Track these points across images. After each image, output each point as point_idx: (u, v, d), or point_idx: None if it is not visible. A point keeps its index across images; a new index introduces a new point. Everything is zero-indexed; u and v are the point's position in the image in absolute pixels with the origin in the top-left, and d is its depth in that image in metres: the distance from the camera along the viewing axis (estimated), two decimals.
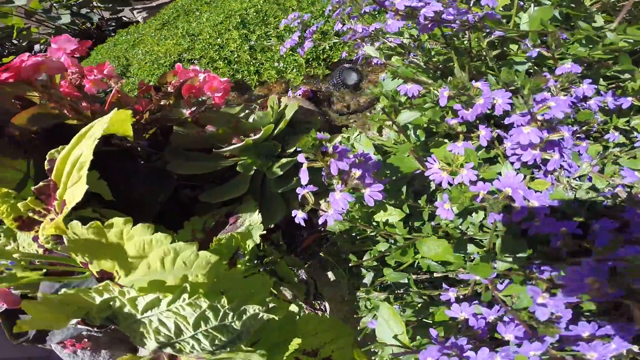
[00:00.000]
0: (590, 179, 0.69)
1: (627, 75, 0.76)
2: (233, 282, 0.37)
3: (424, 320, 0.52)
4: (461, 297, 0.52)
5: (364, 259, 0.54)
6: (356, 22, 0.80)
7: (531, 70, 0.82)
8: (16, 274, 0.45)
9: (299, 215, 0.45)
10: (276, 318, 0.36)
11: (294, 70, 1.40)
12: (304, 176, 0.37)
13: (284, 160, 0.77)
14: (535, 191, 0.56)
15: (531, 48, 0.70)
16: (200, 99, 1.04)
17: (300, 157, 0.38)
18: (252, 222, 0.65)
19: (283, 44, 0.86)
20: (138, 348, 0.58)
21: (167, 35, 2.21)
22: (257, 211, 0.66)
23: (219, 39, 1.74)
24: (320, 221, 0.44)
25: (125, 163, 0.78)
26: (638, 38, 0.61)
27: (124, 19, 4.20)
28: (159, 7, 4.06)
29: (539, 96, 0.61)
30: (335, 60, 1.39)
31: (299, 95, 1.10)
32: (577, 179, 0.70)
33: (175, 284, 0.34)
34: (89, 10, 3.77)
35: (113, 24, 4.03)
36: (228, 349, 0.37)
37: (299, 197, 0.46)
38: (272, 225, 0.75)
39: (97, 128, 0.49)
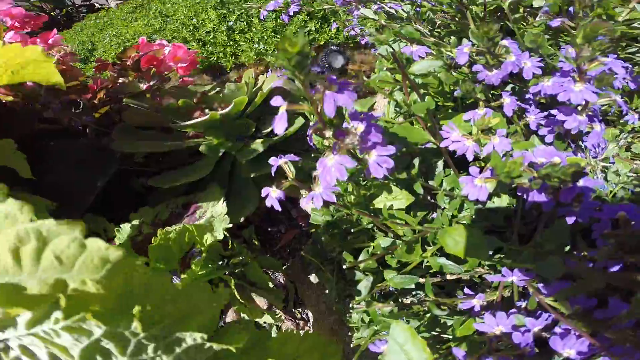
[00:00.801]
0: (612, 163, 0.61)
1: None
2: (158, 294, 0.23)
3: (442, 335, 0.40)
4: (485, 304, 0.40)
5: (359, 259, 0.42)
6: None
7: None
8: None
9: (272, 195, 0.32)
10: (232, 349, 0.23)
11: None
12: (280, 123, 0.24)
13: (259, 141, 0.63)
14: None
15: (545, 21, 0.60)
16: (163, 75, 0.90)
17: (277, 100, 0.26)
18: (214, 213, 0.51)
19: (265, 6, 0.73)
20: None
21: (138, 17, 2.05)
22: (223, 200, 0.53)
23: (194, 19, 1.60)
24: (303, 203, 0.32)
25: (59, 143, 0.63)
26: None
27: (97, 5, 3.99)
28: None
29: (564, 64, 0.51)
30: (322, 42, 1.28)
31: (280, 75, 0.97)
32: (601, 161, 0.61)
33: (39, 294, 0.20)
34: None
35: (84, 10, 3.81)
36: None
37: (273, 169, 0.33)
38: (243, 219, 0.62)
39: None
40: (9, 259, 0.19)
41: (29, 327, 0.19)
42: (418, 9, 0.72)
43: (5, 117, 0.74)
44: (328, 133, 0.25)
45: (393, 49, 0.38)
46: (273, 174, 0.34)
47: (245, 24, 1.44)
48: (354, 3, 0.73)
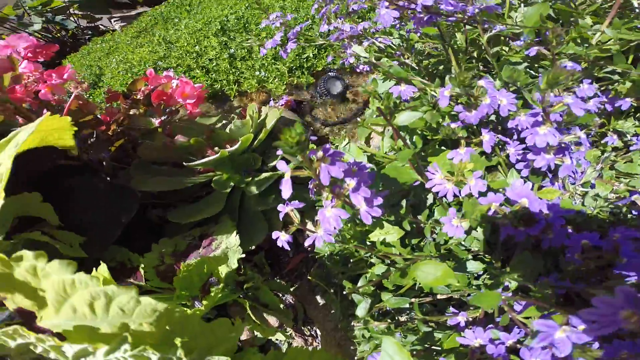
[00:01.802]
0: (593, 186, 0.66)
1: (618, 77, 0.75)
2: (193, 329, 0.30)
3: (432, 348, 0.46)
4: (470, 320, 0.46)
5: (359, 285, 0.48)
6: (343, 22, 0.76)
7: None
8: None
9: (282, 238, 0.38)
10: None
11: (276, 79, 1.35)
12: (286, 188, 0.31)
13: (264, 174, 0.70)
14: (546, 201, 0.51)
15: (524, 48, 0.67)
16: (172, 108, 0.97)
17: (281, 165, 0.32)
18: (228, 244, 0.58)
19: (264, 44, 0.80)
20: None
21: (142, 43, 2.14)
22: (235, 232, 0.59)
23: (197, 47, 1.68)
24: (307, 243, 0.38)
25: (82, 180, 0.70)
26: (631, 36, 0.58)
27: (102, 27, 4.12)
28: (138, 16, 4.00)
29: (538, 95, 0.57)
30: (320, 68, 1.35)
31: (281, 105, 1.05)
32: (581, 185, 0.67)
33: (110, 332, 0.26)
34: (64, 18, 3.69)
35: (89, 32, 3.94)
36: None
37: (281, 215, 0.40)
38: (254, 247, 0.68)
39: (23, 134, 0.42)
40: (87, 310, 0.26)
41: (105, 356, 0.26)
42: (404, 44, 0.79)
43: (28, 154, 0.82)
44: (325, 193, 0.31)
45: (381, 97, 0.44)
46: (281, 218, 0.40)
47: (246, 51, 1.52)
48: (346, 39, 0.80)
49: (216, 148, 0.68)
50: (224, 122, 0.90)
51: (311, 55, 1.36)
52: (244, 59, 1.50)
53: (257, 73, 1.39)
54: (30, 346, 0.27)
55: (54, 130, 0.52)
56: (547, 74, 0.40)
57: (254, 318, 0.65)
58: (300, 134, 0.26)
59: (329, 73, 1.27)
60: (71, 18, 3.76)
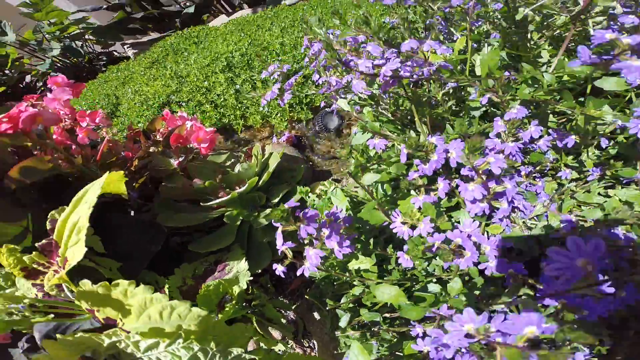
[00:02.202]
0: (547, 217, 0.79)
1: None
2: (219, 330, 0.45)
3: (396, 354, 0.60)
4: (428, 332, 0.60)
5: (340, 302, 0.62)
6: (330, 74, 0.91)
7: (488, 111, 0.92)
8: (29, 316, 0.52)
9: (279, 269, 0.53)
10: (257, 358, 0.44)
11: (278, 114, 1.52)
12: (279, 239, 0.46)
13: (268, 210, 0.85)
14: (490, 235, 0.65)
15: (481, 95, 0.80)
16: (188, 146, 1.13)
17: (275, 223, 0.47)
18: (239, 269, 0.72)
19: (264, 95, 0.96)
20: None
21: (155, 75, 2.30)
22: (244, 259, 0.74)
23: (205, 82, 1.85)
24: (298, 273, 0.53)
25: (118, 215, 0.85)
26: (575, 73, 0.70)
27: (115, 53, 4.36)
28: (150, 43, 4.22)
29: (490, 142, 0.72)
30: (318, 104, 1.51)
31: (284, 141, 1.20)
32: (535, 218, 0.79)
33: (171, 331, 0.41)
34: (81, 44, 3.92)
35: (104, 58, 4.16)
36: None
37: (279, 251, 0.55)
38: (260, 270, 0.83)
39: (91, 195, 0.58)
40: (158, 317, 0.41)
41: (166, 347, 0.40)
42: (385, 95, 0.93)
43: (62, 184, 0.97)
44: (307, 241, 0.46)
45: (359, 150, 0.59)
46: (279, 254, 0.55)
47: (250, 86, 1.69)
48: (333, 92, 0.96)
49: (227, 190, 0.84)
50: (232, 160, 1.05)
51: (310, 92, 1.52)
52: (248, 95, 1.66)
53: (261, 109, 1.56)
54: (117, 343, 0.42)
55: (111, 183, 0.68)
56: (467, 143, 0.54)
57: (259, 331, 0.79)
58: (284, 212, 0.42)
59: (326, 109, 1.43)
60: (86, 43, 3.98)
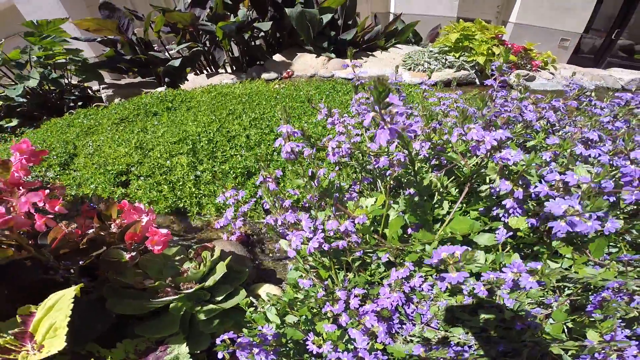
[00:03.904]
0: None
1: None
2: None
3: None
4: None
5: None
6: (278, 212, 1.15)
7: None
8: None
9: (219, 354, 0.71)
10: None
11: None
12: None
13: (210, 306, 1.03)
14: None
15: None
16: (140, 247, 1.27)
17: (219, 354, 0.66)
18: (179, 352, 0.87)
19: (218, 220, 1.18)
20: None
21: (121, 138, 2.41)
22: (185, 344, 0.89)
23: (168, 162, 2.03)
24: None
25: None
26: (461, 231, 0.99)
27: (89, 90, 4.41)
28: (127, 87, 4.37)
29: (382, 291, 0.97)
30: None
31: (234, 239, 1.39)
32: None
33: None
34: (62, 74, 3.96)
35: (76, 93, 4.20)
36: None
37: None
38: (198, 351, 0.98)
39: (65, 304, 0.74)
40: None
41: None
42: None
43: (18, 268, 1.09)
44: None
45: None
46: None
47: (210, 176, 1.90)
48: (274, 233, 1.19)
49: (175, 290, 1.01)
50: (182, 256, 1.23)
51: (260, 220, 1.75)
52: (207, 183, 1.87)
53: (217, 200, 1.76)
54: None
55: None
56: (368, 291, 0.79)
57: None
58: (224, 343, 0.62)
59: None
60: (64, 74, 4.03)
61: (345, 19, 4.39)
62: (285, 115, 0.91)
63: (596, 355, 0.69)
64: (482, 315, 0.83)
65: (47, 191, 1.18)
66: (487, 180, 1.02)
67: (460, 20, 4.11)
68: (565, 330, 0.84)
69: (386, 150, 0.99)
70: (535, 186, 0.82)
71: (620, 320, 0.81)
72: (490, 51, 3.61)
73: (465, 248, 0.57)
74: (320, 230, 0.86)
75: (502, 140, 0.83)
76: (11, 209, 1.00)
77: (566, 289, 0.97)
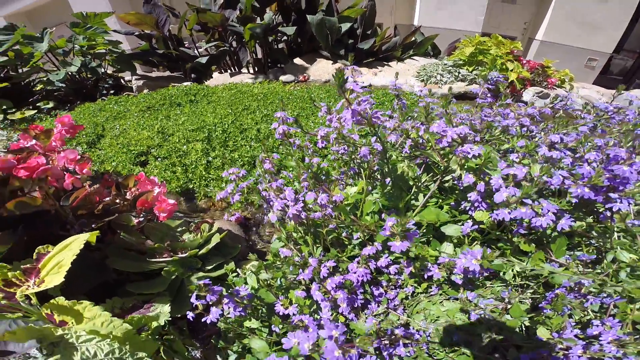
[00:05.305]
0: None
1: None
2: (135, 340, 0.74)
3: None
4: None
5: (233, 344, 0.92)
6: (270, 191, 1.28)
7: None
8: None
9: (189, 314, 0.84)
10: None
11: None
12: (192, 297, 0.78)
13: (200, 274, 1.17)
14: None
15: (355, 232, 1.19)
16: (149, 213, 1.43)
17: (192, 297, 0.80)
18: (162, 310, 1.01)
19: (219, 193, 1.32)
20: None
21: (145, 124, 2.62)
22: (169, 304, 1.03)
23: (184, 146, 2.21)
24: (206, 320, 0.84)
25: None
26: (429, 219, 1.09)
27: (122, 80, 4.71)
28: (157, 80, 4.64)
29: (351, 266, 1.08)
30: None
31: (234, 219, 1.52)
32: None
33: (104, 334, 0.70)
34: (100, 63, 4.31)
35: (110, 82, 4.50)
36: None
37: (193, 305, 0.86)
38: (180, 315, 1.11)
39: (76, 246, 0.88)
40: (99, 325, 0.71)
41: (96, 342, 0.69)
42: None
43: (42, 220, 1.25)
44: (212, 303, 0.79)
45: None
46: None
47: (220, 162, 2.06)
48: (260, 197, 1.33)
49: (172, 253, 1.15)
50: (183, 228, 1.37)
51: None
52: (217, 169, 2.03)
53: (223, 185, 1.91)
54: (64, 335, 0.70)
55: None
56: (339, 264, 0.91)
57: (163, 357, 1.06)
58: (198, 287, 0.75)
59: None
60: (102, 64, 4.35)
61: (365, 28, 4.53)
62: (282, 105, 1.07)
63: (542, 351, 0.72)
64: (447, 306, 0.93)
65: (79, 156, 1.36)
66: (457, 175, 1.13)
67: (476, 34, 4.17)
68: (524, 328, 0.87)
69: (369, 142, 1.11)
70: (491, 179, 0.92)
71: (576, 323, 0.85)
72: (504, 66, 3.67)
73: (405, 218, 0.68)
74: (301, 201, 0.99)
75: (463, 135, 0.94)
76: (50, 162, 1.16)
77: (527, 289, 1.05)
